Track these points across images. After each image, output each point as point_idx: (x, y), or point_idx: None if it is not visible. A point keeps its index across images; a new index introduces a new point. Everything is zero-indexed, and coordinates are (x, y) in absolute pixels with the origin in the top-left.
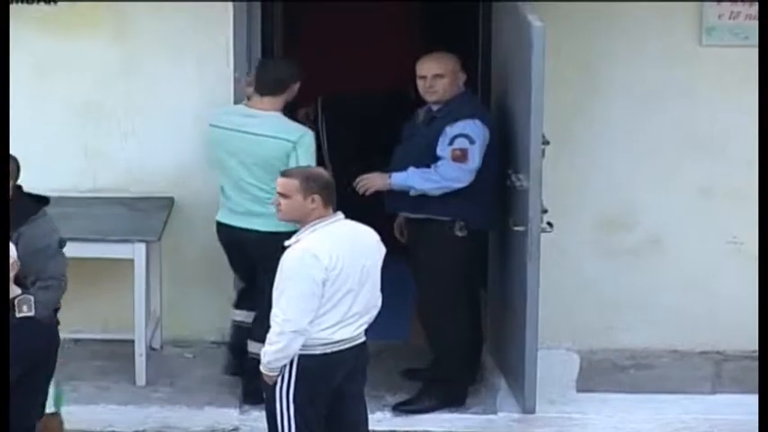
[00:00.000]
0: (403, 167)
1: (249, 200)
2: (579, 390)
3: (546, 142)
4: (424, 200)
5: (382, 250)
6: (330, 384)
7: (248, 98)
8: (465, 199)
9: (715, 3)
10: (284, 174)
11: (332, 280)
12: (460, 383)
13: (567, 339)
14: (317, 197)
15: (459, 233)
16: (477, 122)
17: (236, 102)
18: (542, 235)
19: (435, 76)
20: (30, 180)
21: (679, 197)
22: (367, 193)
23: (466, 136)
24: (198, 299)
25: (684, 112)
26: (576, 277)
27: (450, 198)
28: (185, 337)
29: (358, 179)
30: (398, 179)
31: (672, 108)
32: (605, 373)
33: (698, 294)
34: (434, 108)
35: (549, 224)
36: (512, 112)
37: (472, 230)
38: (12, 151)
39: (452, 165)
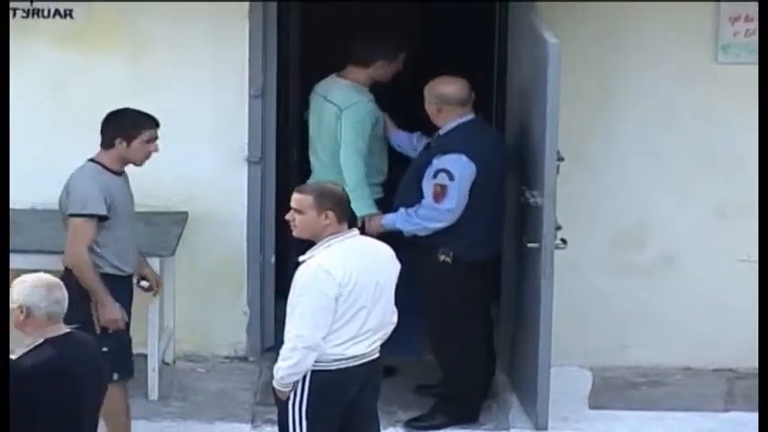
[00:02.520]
0: (400, 188)
1: None
2: (592, 407)
3: (560, 159)
4: None
5: (397, 266)
6: (343, 400)
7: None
8: (451, 229)
9: (729, 23)
10: (298, 190)
11: (345, 296)
12: (472, 401)
13: (579, 356)
14: (330, 213)
15: (443, 258)
16: (463, 158)
17: (251, 120)
18: (556, 252)
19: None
20: (44, 194)
21: (693, 215)
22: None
23: (447, 172)
24: (211, 314)
25: (699, 130)
26: (589, 294)
27: None
28: (198, 351)
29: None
30: (388, 222)
31: (687, 125)
32: (618, 390)
33: (711, 312)
34: (441, 133)
35: (563, 241)
36: (527, 128)
37: (459, 258)
38: (26, 165)
39: (431, 206)
